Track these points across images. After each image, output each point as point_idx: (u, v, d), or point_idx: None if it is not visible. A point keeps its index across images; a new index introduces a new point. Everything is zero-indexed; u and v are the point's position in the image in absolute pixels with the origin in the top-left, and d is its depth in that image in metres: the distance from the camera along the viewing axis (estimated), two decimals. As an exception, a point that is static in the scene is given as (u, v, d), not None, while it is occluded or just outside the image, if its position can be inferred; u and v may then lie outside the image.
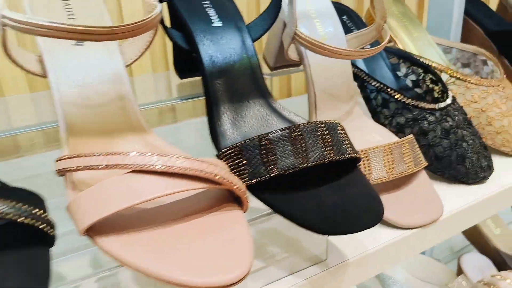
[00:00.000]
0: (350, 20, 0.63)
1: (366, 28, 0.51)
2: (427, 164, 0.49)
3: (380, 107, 0.55)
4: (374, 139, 0.49)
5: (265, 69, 0.56)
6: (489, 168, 0.54)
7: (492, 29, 0.76)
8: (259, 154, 0.35)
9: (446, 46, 0.69)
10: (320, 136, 0.36)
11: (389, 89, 0.54)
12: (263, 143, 0.35)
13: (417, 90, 0.62)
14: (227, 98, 0.41)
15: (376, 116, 0.56)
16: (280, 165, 0.34)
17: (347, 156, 0.37)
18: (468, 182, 0.53)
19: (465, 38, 0.79)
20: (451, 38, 0.73)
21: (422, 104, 0.53)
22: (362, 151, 0.44)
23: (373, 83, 0.55)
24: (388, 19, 0.68)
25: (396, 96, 0.53)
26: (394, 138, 0.50)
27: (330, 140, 0.36)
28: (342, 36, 0.50)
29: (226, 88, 0.41)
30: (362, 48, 0.55)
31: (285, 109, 0.43)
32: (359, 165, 0.44)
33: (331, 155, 0.36)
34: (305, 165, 0.35)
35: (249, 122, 0.41)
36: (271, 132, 0.35)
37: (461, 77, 0.60)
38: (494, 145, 0.59)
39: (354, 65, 0.57)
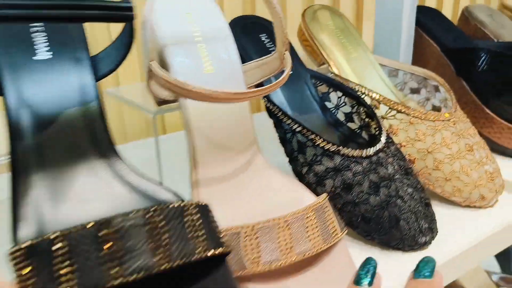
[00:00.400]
0: (271, 39, 0.52)
1: (268, 55, 0.39)
2: (344, 232, 0.38)
3: (297, 151, 0.44)
4: (277, 203, 0.37)
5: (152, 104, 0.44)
6: (431, 231, 0.42)
7: (449, 46, 0.65)
8: (50, 262, 0.23)
9: (392, 68, 0.58)
10: (149, 232, 0.24)
11: (304, 130, 0.43)
12: (58, 246, 0.23)
13: (351, 125, 0.51)
14: (43, 163, 0.29)
15: (293, 162, 0.45)
16: (79, 281, 0.23)
17: (193, 258, 0.25)
18: (405, 249, 0.41)
19: (420, 56, 0.68)
20: (400, 57, 0.62)
21: (345, 151, 0.42)
22: (247, 227, 0.33)
23: (287, 122, 0.44)
24: (321, 36, 0.57)
25: (313, 139, 0.42)
26: (307, 199, 0.39)
27: (167, 235, 0.25)
28: (237, 65, 0.39)
29: (42, 148, 0.29)
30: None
31: (138, 174, 0.31)
32: (245, 246, 0.33)
33: (164, 262, 0.24)
34: (118, 280, 0.23)
35: (74, 199, 0.29)
36: (70, 228, 0.23)
37: (403, 110, 0.49)
38: (444, 193, 0.48)
39: (267, 97, 0.45)
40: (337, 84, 0.50)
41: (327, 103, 0.51)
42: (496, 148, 0.60)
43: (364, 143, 0.49)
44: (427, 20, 0.68)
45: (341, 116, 0.51)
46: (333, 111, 0.51)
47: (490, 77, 0.61)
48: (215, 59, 0.37)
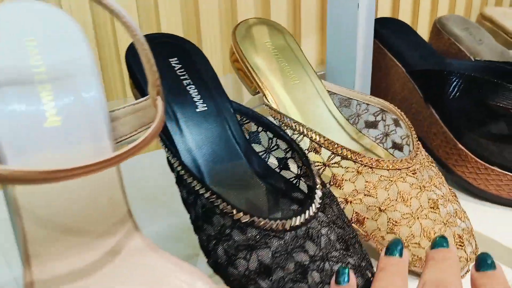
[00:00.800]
0: (183, 64, 0.41)
1: (143, 98, 0.28)
2: None
3: (202, 220, 0.33)
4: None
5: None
6: (378, 328, 0.32)
7: (415, 66, 0.55)
8: None
9: (343, 96, 0.47)
10: None
11: (208, 193, 0.32)
12: None
13: (286, 173, 0.40)
14: None
15: (198, 232, 0.34)
16: None
17: None
18: None
19: (382, 79, 0.57)
20: (356, 82, 0.51)
21: (261, 222, 0.31)
22: None
23: (189, 180, 0.33)
24: (256, 58, 0.46)
25: (219, 205, 0.31)
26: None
27: None
28: (99, 113, 0.27)
29: None
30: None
31: None
32: None
33: None
34: None
35: None
36: None
37: (349, 156, 0.38)
38: (401, 262, 0.38)
39: (163, 141, 0.35)
40: (266, 123, 0.39)
41: (256, 146, 0.40)
42: (472, 191, 0.50)
43: (301, 198, 0.38)
44: (390, 34, 0.58)
45: (273, 163, 0.40)
46: (263, 156, 0.40)
47: (463, 105, 0.51)
48: (65, 106, 0.26)
